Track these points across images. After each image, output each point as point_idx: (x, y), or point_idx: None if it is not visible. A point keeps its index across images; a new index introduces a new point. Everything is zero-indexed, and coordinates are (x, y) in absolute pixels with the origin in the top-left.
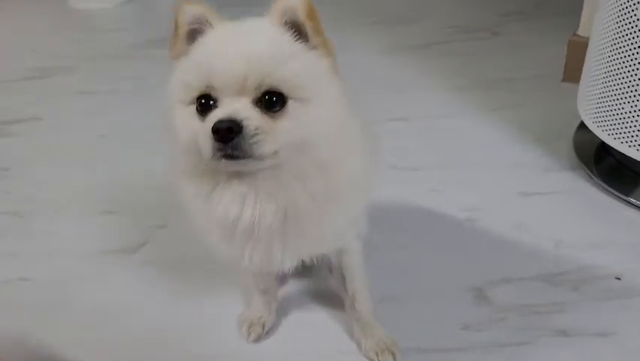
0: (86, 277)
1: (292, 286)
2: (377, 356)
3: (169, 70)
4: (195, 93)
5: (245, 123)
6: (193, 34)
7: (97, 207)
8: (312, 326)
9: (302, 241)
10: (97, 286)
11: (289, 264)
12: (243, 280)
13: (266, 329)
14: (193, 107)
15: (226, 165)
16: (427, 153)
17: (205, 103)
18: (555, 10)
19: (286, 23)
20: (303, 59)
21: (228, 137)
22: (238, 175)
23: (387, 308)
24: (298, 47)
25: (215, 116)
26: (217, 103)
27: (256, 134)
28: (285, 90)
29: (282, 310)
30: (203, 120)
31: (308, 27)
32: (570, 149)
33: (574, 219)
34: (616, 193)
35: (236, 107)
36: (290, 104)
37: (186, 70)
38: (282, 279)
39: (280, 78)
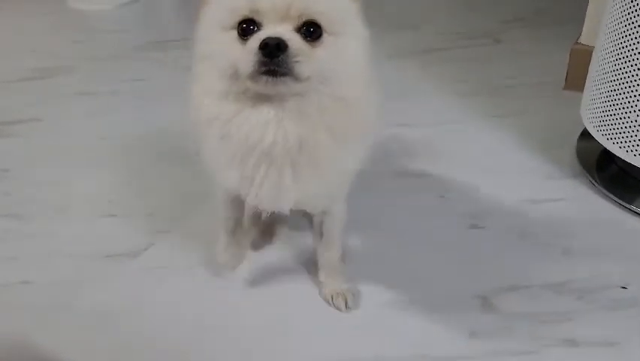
0: (87, 280)
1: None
2: (332, 299)
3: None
4: (238, 18)
5: (290, 43)
6: None
7: (98, 210)
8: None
9: (312, 174)
10: (98, 290)
11: (293, 199)
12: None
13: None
14: (234, 32)
15: (267, 82)
16: (429, 160)
17: (246, 27)
18: (555, 18)
19: None
20: None
21: (275, 53)
22: (267, 99)
23: (393, 315)
24: None
25: (260, 36)
26: (260, 27)
27: (298, 54)
28: (322, 22)
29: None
30: (244, 43)
31: None
32: (572, 156)
33: (577, 227)
34: (619, 201)
35: (280, 30)
36: (325, 37)
37: None
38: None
39: (319, 11)
